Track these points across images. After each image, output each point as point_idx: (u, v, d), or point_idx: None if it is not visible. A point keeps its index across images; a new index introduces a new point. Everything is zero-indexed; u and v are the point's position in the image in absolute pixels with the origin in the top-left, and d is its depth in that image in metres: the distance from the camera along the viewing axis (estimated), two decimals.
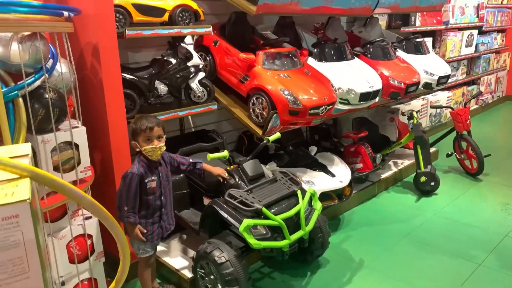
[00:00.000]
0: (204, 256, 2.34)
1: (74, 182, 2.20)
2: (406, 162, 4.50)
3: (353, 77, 3.45)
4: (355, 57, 3.73)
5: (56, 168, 2.10)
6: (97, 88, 2.51)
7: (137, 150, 2.27)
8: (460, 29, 6.26)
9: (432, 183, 3.96)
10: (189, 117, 3.48)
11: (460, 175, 4.46)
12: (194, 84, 2.94)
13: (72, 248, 2.22)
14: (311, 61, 3.50)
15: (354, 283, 2.69)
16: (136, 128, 2.23)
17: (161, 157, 2.34)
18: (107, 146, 2.55)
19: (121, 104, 2.57)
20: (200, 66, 2.98)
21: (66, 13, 2.11)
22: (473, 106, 6.98)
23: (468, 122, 4.31)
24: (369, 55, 3.87)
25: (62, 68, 2.19)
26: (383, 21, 5.16)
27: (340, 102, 3.40)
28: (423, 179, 3.94)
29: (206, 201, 2.71)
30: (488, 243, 3.12)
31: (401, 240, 3.20)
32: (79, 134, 2.20)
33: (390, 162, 4.49)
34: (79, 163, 2.21)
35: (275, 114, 2.92)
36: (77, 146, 2.19)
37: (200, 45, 3.37)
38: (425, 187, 3.98)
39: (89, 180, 2.27)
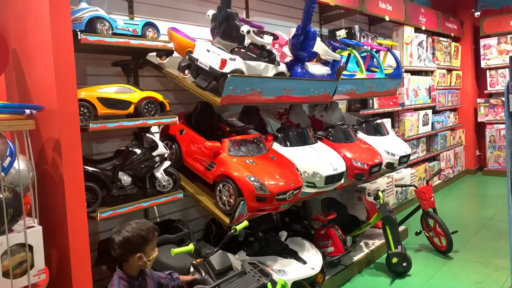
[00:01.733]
0: None
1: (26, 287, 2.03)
2: (377, 242, 4.47)
3: (317, 160, 3.53)
4: (318, 141, 3.85)
5: (5, 274, 1.94)
6: (57, 183, 2.44)
7: (140, 262, 2.09)
8: (416, 109, 6.69)
9: (404, 264, 3.92)
10: (154, 207, 3.39)
11: (431, 253, 4.45)
12: (159, 173, 2.92)
13: None
14: (276, 146, 3.59)
15: None
16: (148, 235, 2.09)
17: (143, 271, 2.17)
18: (64, 245, 2.41)
19: (82, 198, 2.49)
20: (166, 155, 2.99)
21: (28, 111, 2.11)
22: (436, 181, 7.22)
23: (432, 199, 4.41)
24: (331, 138, 4.01)
25: (21, 165, 2.14)
26: (343, 105, 5.46)
27: (307, 186, 3.43)
28: (394, 260, 3.89)
29: None
30: None
31: None
32: (35, 235, 2.08)
33: (361, 243, 4.45)
34: (32, 266, 2.05)
35: (242, 201, 2.90)
36: (31, 247, 2.05)
37: (166, 134, 3.42)
38: (397, 269, 3.92)
39: (42, 284, 2.10)
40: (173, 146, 3.36)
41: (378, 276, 3.99)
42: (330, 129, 4.10)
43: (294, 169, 3.34)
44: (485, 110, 8.34)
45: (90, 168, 2.68)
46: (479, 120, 8.42)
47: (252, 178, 2.92)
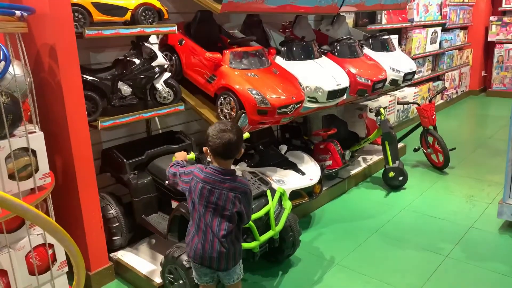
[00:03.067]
0: (172, 261, 2.29)
1: (32, 190, 2.10)
2: (375, 158, 4.57)
3: (320, 75, 3.45)
4: (323, 56, 3.74)
5: (11, 176, 1.99)
6: (56, 91, 2.41)
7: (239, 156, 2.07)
8: (425, 26, 6.41)
9: (401, 178, 4.04)
10: (156, 118, 3.40)
11: (427, 169, 4.57)
12: (160, 85, 2.87)
13: (32, 259, 2.12)
14: (279, 60, 3.49)
15: (326, 280, 2.70)
16: None
17: None
18: (68, 151, 2.45)
19: (82, 107, 2.48)
20: (165, 66, 2.91)
21: (18, 13, 2.00)
22: (438, 101, 7.17)
23: (433, 117, 4.41)
24: (336, 53, 3.89)
25: (16, 70, 2.09)
26: (350, 19, 5.22)
27: (309, 101, 3.40)
28: (391, 174, 4.00)
29: (174, 204, 2.65)
30: (454, 235, 3.20)
31: (371, 235, 3.24)
32: (37, 140, 2.10)
33: (359, 158, 4.55)
34: (37, 170, 2.10)
35: (243, 114, 2.89)
36: (34, 152, 2.08)
37: (165, 45, 3.30)
38: (393, 182, 4.05)
39: (48, 187, 2.17)
40: (173, 57, 3.26)
41: (374, 188, 4.14)
42: (335, 44, 3.96)
43: (297, 83, 3.28)
44: (496, 29, 7.99)
45: (89, 77, 2.63)
46: (489, 39, 8.10)
47: (254, 91, 2.88)
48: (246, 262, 2.81)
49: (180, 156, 2.30)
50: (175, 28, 2.90)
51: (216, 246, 1.95)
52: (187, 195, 2.03)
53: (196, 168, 2.03)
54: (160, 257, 2.47)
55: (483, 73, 8.46)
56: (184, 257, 2.23)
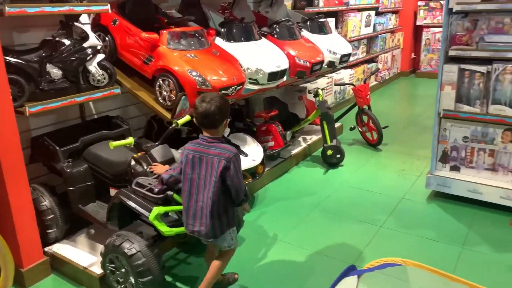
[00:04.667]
0: (113, 250, 2.23)
1: None
2: (314, 138, 4.72)
3: (261, 57, 3.47)
4: (263, 37, 3.75)
5: None
6: None
7: (225, 128, 2.21)
8: (359, 10, 6.64)
9: (338, 156, 4.22)
10: (90, 103, 3.23)
11: (363, 147, 4.81)
12: (93, 67, 2.73)
13: None
14: (218, 41, 3.45)
15: (270, 257, 2.78)
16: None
17: None
18: None
19: (5, 91, 2.29)
20: (98, 47, 2.76)
21: None
22: (372, 82, 7.52)
23: (368, 97, 4.63)
24: (275, 35, 3.93)
25: None
26: (288, 2, 5.26)
27: (250, 82, 3.42)
28: (329, 152, 4.17)
29: (113, 192, 2.56)
30: (387, 207, 3.42)
31: (312, 212, 3.37)
32: None
33: (300, 139, 4.68)
34: None
35: (183, 96, 2.84)
36: None
37: (97, 25, 3.13)
38: (331, 160, 4.23)
39: None
40: (106, 38, 3.11)
41: (313, 167, 4.30)
42: (275, 26, 3.99)
43: (237, 64, 3.28)
44: (424, 13, 8.48)
45: (13, 59, 2.43)
46: (417, 23, 8.59)
47: (194, 73, 2.83)
48: (191, 245, 2.84)
49: (160, 169, 2.36)
50: (108, 7, 2.75)
51: (204, 216, 2.10)
52: (182, 172, 2.15)
53: (187, 144, 2.19)
54: (100, 247, 2.40)
55: (413, 55, 8.98)
56: (126, 245, 2.18)
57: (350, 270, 1.76)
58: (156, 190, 2.24)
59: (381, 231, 3.07)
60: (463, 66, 3.19)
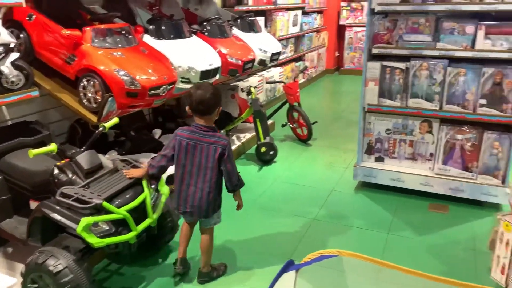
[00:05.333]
0: (35, 268, 2.03)
1: None
2: (248, 135, 4.76)
3: (192, 55, 3.42)
4: (193, 35, 3.69)
5: None
6: None
7: (217, 116, 2.36)
8: (287, 9, 6.80)
9: (271, 152, 4.30)
10: (4, 107, 2.94)
11: (294, 142, 4.95)
12: (6, 67, 2.48)
13: None
14: (147, 39, 3.33)
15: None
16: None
17: None
18: None
19: None
20: (12, 45, 2.51)
21: None
22: (301, 80, 7.77)
23: (297, 94, 4.77)
24: (206, 33, 3.88)
25: None
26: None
27: (181, 81, 3.34)
28: (263, 149, 4.23)
29: (33, 204, 2.35)
30: (319, 199, 3.56)
31: (248, 209, 3.34)
32: None
33: (234, 137, 4.69)
34: None
35: (110, 98, 2.70)
36: None
37: (10, 20, 2.85)
38: (265, 157, 4.29)
39: None
40: (21, 35, 2.85)
41: (248, 164, 4.34)
42: (205, 23, 3.94)
43: (168, 63, 3.19)
44: (346, 14, 8.94)
45: None
46: (340, 22, 9.03)
47: (122, 72, 2.70)
48: (123, 255, 2.71)
49: (136, 172, 2.37)
50: (22, 0, 2.52)
51: (197, 199, 2.32)
52: (175, 159, 2.31)
53: (178, 130, 2.34)
54: (20, 267, 2.18)
55: (337, 54, 9.42)
56: (51, 261, 2.00)
57: (289, 265, 1.80)
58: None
59: (314, 223, 3.19)
60: (385, 63, 3.41)
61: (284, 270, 1.72)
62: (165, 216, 2.63)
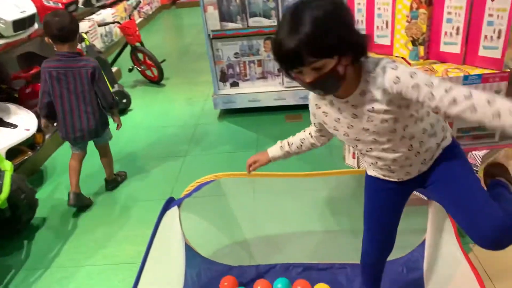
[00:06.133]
0: None
1: None
2: None
3: None
4: None
5: None
6: None
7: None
8: None
9: (124, 100, 4.01)
10: None
11: (147, 86, 4.70)
12: None
13: None
14: None
15: (82, 227, 2.52)
16: None
17: None
18: None
19: None
20: None
21: None
22: (138, 19, 7.22)
23: (137, 33, 4.42)
24: None
25: None
26: None
27: None
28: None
29: None
30: (185, 136, 3.51)
31: (116, 162, 3.13)
32: None
33: None
34: None
35: None
36: None
37: None
38: (119, 106, 3.98)
39: None
40: None
41: None
42: None
43: None
44: None
45: None
46: None
47: None
48: None
49: None
50: None
51: (84, 121, 2.45)
52: (50, 90, 2.40)
53: (44, 62, 2.39)
54: None
55: None
56: None
57: (169, 203, 1.75)
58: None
59: (186, 160, 3.16)
60: None
61: (165, 208, 1.67)
62: (17, 194, 2.27)
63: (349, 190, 1.83)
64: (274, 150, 1.59)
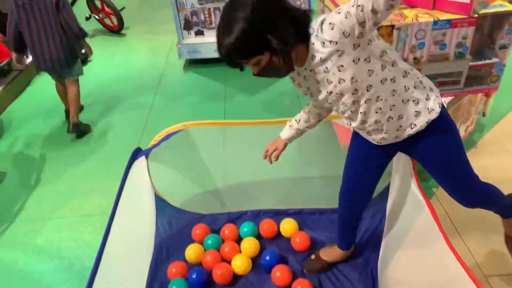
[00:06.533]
0: None
1: None
2: None
3: None
4: None
5: None
6: None
7: None
8: None
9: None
10: None
11: (107, 35, 4.45)
12: None
13: None
14: None
15: (44, 182, 2.44)
16: None
17: None
18: None
19: None
20: None
21: None
22: None
23: None
24: None
25: None
26: None
27: None
28: None
29: None
30: (150, 88, 3.40)
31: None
32: None
33: None
34: None
35: None
36: None
37: None
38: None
39: None
40: None
41: None
42: None
43: None
44: None
45: None
46: None
47: None
48: None
49: None
50: None
51: (53, 50, 2.52)
52: (17, 21, 2.45)
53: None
54: None
55: None
56: None
57: (136, 153, 1.71)
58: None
59: (152, 111, 3.07)
60: None
61: (133, 158, 1.63)
62: None
63: (319, 138, 1.85)
64: (285, 132, 1.50)
